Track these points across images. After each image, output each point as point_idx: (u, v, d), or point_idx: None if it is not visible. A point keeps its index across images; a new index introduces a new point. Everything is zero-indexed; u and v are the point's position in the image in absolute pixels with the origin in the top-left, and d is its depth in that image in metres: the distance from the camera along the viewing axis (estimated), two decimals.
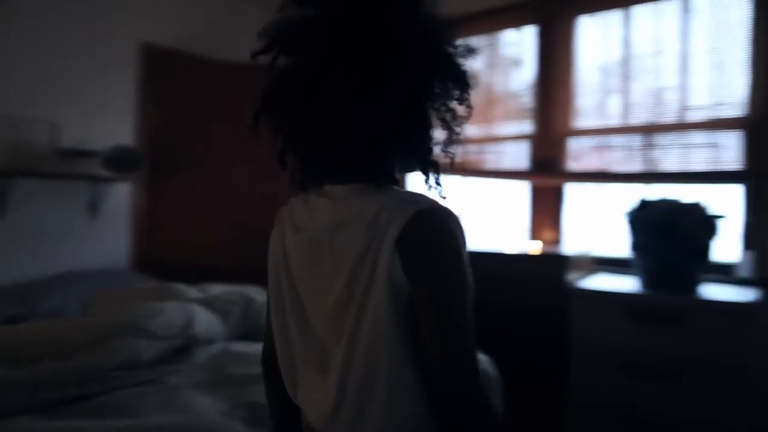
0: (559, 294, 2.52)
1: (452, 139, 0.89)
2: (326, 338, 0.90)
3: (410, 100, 0.84)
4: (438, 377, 0.81)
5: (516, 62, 3.29)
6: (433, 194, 0.88)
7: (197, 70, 3.44)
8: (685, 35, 2.71)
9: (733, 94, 2.60)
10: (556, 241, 3.09)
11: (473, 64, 0.91)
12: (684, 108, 2.73)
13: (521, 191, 3.27)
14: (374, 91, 0.81)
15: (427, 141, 0.88)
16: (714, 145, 2.66)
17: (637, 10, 2.86)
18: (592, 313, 2.43)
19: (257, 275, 3.10)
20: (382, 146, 0.86)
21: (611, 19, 2.94)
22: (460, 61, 0.89)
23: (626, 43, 2.89)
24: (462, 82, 0.89)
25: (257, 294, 2.57)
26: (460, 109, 0.89)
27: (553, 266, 2.58)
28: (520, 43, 3.27)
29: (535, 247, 2.92)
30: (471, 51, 0.90)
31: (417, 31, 0.84)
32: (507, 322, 2.80)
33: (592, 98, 3.03)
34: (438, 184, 0.89)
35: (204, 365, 1.92)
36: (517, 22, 3.28)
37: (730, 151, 2.61)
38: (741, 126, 2.58)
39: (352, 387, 0.85)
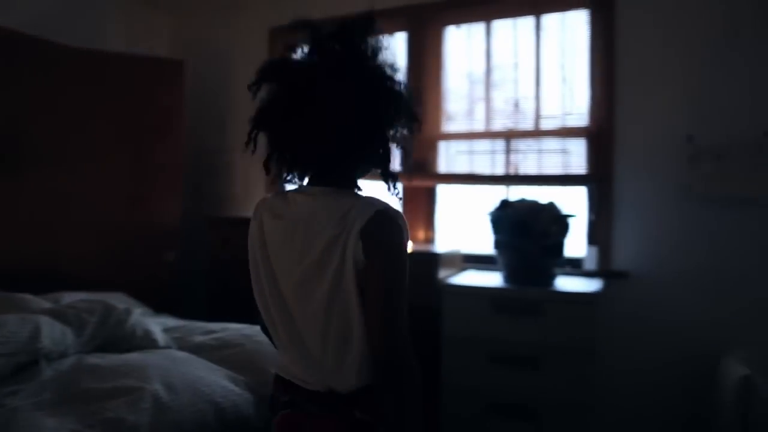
0: (432, 291, 2.62)
1: (406, 156, 1.19)
2: (291, 302, 1.13)
3: (371, 126, 1.12)
4: (372, 336, 1.06)
5: None
6: (391, 196, 1.17)
7: (45, 56, 3.09)
8: (538, 50, 2.98)
9: (579, 105, 2.90)
10: (430, 240, 3.21)
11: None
12: (538, 116, 2.99)
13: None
14: (346, 119, 1.08)
15: (386, 156, 1.15)
16: (564, 151, 2.94)
17: (498, 24, 3.08)
18: (461, 307, 2.56)
19: (120, 280, 2.91)
20: (351, 158, 1.13)
21: (475, 31, 3.13)
22: (409, 100, 1.18)
23: (489, 55, 3.10)
24: (410, 116, 1.18)
25: (120, 301, 2.37)
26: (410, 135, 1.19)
27: (425, 264, 2.68)
28: (394, 49, 3.36)
29: (408, 246, 3.00)
30: (416, 91, 1.25)
31: (378, 79, 1.14)
32: None
33: (460, 104, 3.20)
34: (395, 188, 1.17)
35: (52, 381, 1.71)
36: (388, 28, 3.36)
37: (577, 156, 2.90)
38: (585, 134, 2.88)
39: (332, 341, 1.08)
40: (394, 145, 1.17)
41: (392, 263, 1.09)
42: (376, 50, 1.16)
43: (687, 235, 2.68)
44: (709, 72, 2.64)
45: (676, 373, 2.66)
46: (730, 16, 2.61)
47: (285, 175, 1.17)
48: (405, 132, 1.18)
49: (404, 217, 1.14)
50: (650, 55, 2.75)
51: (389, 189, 1.18)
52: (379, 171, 1.16)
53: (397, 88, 1.17)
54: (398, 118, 1.16)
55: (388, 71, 1.17)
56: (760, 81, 2.56)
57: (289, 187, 1.22)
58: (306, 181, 1.18)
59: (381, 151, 1.15)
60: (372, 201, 1.11)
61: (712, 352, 2.49)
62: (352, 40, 1.15)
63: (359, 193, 1.17)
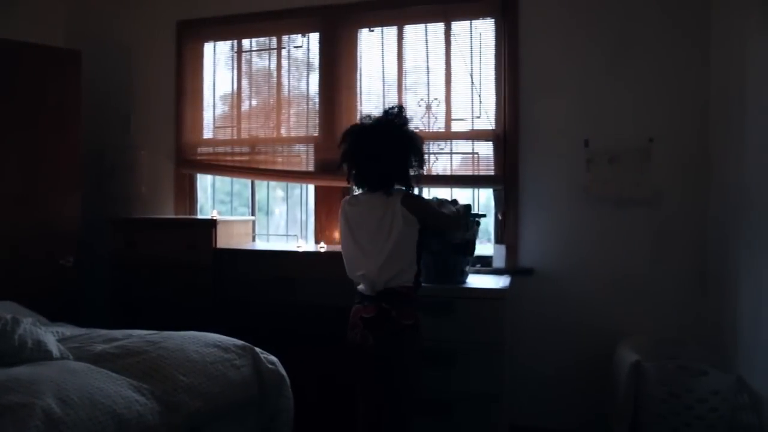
0: (346, 291, 2.61)
1: (417, 177, 2.19)
2: (367, 246, 2.10)
3: (404, 163, 2.13)
4: (440, 227, 2.34)
5: (310, 66, 3.34)
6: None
7: None
8: (448, 55, 3.07)
9: (487, 109, 3.01)
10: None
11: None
12: (449, 119, 3.08)
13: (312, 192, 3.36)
14: (391, 159, 2.11)
15: (409, 177, 2.15)
16: (474, 153, 3.05)
17: (410, 28, 3.14)
18: None
19: (11, 288, 2.66)
20: (391, 180, 2.12)
21: (388, 34, 3.18)
22: (421, 146, 2.17)
23: (401, 58, 3.16)
24: (421, 156, 2.16)
25: (7, 310, 2.17)
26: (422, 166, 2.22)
27: (338, 264, 2.67)
28: (310, 49, 3.34)
29: (322, 247, 3.00)
30: (422, 140, 2.22)
31: (408, 137, 2.14)
32: (298, 319, 2.82)
33: (375, 106, 3.21)
34: (411, 191, 2.20)
35: None
36: (302, 28, 3.34)
37: (485, 158, 3.02)
38: (492, 137, 3.00)
39: (390, 256, 2.05)
40: (412, 169, 2.16)
41: (424, 205, 2.22)
42: (406, 121, 2.16)
43: (585, 233, 2.87)
44: (603, 81, 2.85)
45: (579, 362, 2.84)
46: (622, 33, 2.83)
47: (360, 186, 2.18)
48: (419, 166, 2.17)
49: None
50: (551, 64, 2.93)
51: (409, 191, 2.18)
52: (404, 185, 2.15)
53: (418, 142, 2.16)
54: (417, 159, 2.14)
55: (412, 132, 2.17)
56: (646, 91, 2.80)
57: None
58: (370, 189, 2.15)
59: (407, 175, 2.14)
60: (399, 190, 2.13)
61: (610, 341, 2.68)
62: (393, 116, 2.15)
63: (391, 190, 2.13)
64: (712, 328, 2.64)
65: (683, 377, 2.30)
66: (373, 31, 3.21)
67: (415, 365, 2.11)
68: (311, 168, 3.29)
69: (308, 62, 3.34)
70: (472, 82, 3.03)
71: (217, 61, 3.55)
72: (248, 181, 3.59)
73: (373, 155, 2.09)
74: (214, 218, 3.08)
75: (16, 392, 1.57)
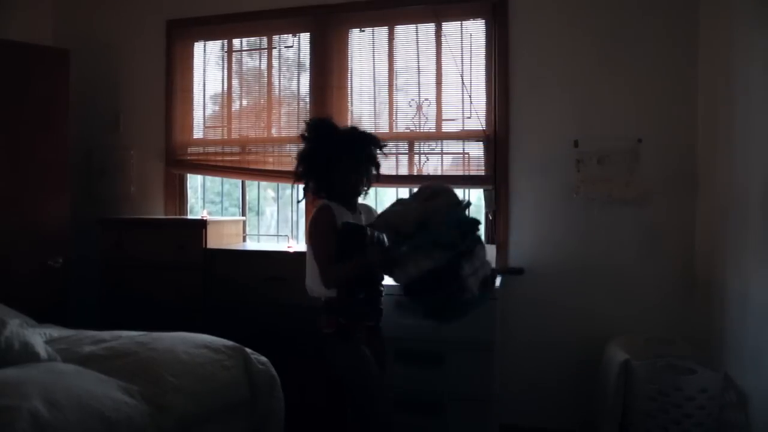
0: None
1: (372, 181, 2.25)
2: None
3: (315, 169, 2.19)
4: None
5: (301, 66, 3.33)
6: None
7: None
8: (439, 56, 3.08)
9: (477, 110, 3.02)
10: None
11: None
12: (440, 119, 3.09)
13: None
14: (303, 164, 2.20)
15: (321, 187, 2.20)
16: (464, 154, 3.06)
17: (401, 29, 3.15)
18: None
19: (1, 288, 2.63)
20: (307, 187, 2.22)
21: (379, 35, 3.18)
22: (378, 154, 2.23)
23: (392, 58, 3.16)
24: (376, 164, 2.23)
25: None
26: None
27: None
28: (301, 49, 3.33)
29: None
30: (382, 147, 2.24)
31: (311, 144, 2.20)
32: (289, 320, 2.81)
33: (366, 106, 3.22)
34: (325, 202, 2.17)
35: None
36: (293, 28, 3.34)
37: (475, 158, 3.03)
38: (483, 138, 3.01)
39: (307, 267, 2.15)
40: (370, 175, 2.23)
41: (311, 235, 2.15)
42: (321, 127, 2.23)
43: (575, 233, 2.89)
44: (593, 82, 2.87)
45: (568, 361, 2.86)
46: (611, 34, 2.85)
47: (318, 193, 2.20)
48: (373, 171, 2.23)
49: (328, 208, 2.13)
50: (541, 65, 2.94)
51: (324, 203, 2.17)
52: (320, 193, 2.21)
53: (372, 149, 2.20)
54: (369, 165, 2.20)
55: (367, 139, 2.21)
56: (635, 92, 2.82)
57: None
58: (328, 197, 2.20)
59: (318, 184, 2.20)
60: (323, 202, 2.16)
61: (599, 340, 2.70)
62: (344, 130, 2.22)
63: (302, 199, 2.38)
64: (700, 327, 2.66)
65: (672, 376, 2.32)
66: (363, 31, 3.21)
67: (351, 369, 2.09)
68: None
69: (299, 62, 3.34)
70: (463, 83, 3.04)
71: (207, 60, 3.54)
72: (239, 181, 3.58)
73: (315, 168, 2.20)
74: (204, 218, 3.07)
75: (2, 395, 1.55)
